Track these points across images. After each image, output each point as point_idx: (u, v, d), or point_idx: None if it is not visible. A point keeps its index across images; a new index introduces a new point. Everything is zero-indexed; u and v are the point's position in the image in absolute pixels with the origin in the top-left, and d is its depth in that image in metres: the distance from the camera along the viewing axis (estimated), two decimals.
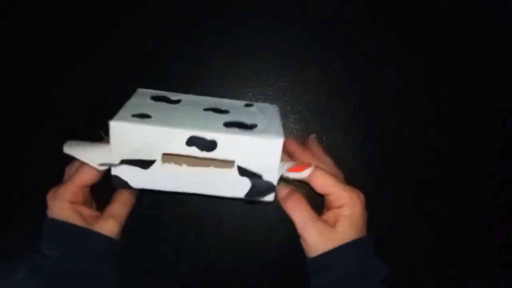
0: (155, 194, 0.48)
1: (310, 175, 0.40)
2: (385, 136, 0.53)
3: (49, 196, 0.40)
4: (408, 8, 0.51)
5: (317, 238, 0.39)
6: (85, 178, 0.40)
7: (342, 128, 0.52)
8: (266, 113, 0.43)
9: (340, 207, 0.40)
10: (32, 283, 0.38)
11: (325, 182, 0.41)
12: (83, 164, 0.40)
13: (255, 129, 0.38)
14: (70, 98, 0.52)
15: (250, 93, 0.51)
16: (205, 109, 0.41)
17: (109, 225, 0.40)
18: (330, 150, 0.52)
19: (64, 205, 0.39)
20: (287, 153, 0.44)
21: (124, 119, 0.36)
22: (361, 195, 0.42)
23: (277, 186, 0.39)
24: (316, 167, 0.41)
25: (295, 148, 0.44)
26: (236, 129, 0.37)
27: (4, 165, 0.53)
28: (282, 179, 0.41)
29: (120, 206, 0.42)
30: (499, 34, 0.52)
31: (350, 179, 0.53)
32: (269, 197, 0.40)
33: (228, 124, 0.38)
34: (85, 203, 0.41)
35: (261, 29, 0.51)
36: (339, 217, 0.40)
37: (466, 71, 0.53)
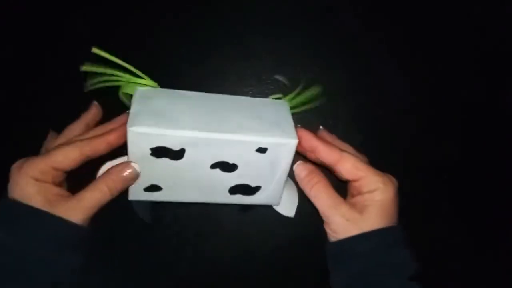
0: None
1: (338, 159, 0.37)
2: (386, 136, 0.53)
3: (14, 167, 0.36)
4: (409, 8, 0.51)
5: (342, 223, 0.36)
6: (61, 161, 0.35)
7: (342, 128, 0.52)
8: (278, 164, 0.40)
9: (371, 192, 0.37)
10: None
11: (355, 165, 0.37)
12: (65, 144, 0.36)
13: (257, 193, 0.41)
14: (70, 98, 0.52)
15: (250, 92, 0.51)
16: (212, 166, 0.39)
17: (74, 213, 0.35)
18: None
19: (28, 180, 0.34)
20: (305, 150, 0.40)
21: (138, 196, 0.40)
22: (394, 180, 0.38)
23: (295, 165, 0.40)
24: (343, 151, 0.38)
25: (315, 142, 0.39)
26: (239, 196, 0.41)
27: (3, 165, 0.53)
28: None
29: (97, 196, 0.36)
30: (500, 34, 0.52)
31: None
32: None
33: (233, 190, 0.40)
34: (54, 183, 0.36)
35: (261, 29, 0.51)
36: (369, 202, 0.36)
37: (467, 70, 0.52)
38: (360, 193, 0.38)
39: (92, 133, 0.39)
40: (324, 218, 0.37)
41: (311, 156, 0.41)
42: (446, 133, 0.53)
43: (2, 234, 0.34)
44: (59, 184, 0.37)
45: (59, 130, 0.51)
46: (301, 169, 0.39)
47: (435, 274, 0.54)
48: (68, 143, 0.37)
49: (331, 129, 0.53)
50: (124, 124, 0.37)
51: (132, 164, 0.37)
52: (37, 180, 0.35)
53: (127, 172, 0.37)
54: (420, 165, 0.53)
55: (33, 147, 0.52)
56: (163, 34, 0.52)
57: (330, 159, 0.38)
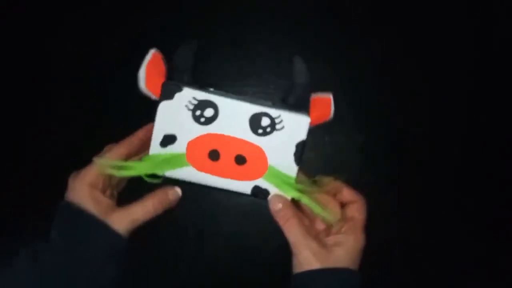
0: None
1: (356, 201, 0.41)
2: (387, 137, 0.53)
3: (71, 176, 0.40)
4: (411, 8, 0.51)
5: (309, 256, 0.38)
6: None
7: (343, 129, 0.52)
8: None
9: (347, 235, 0.39)
10: (31, 270, 0.37)
11: (363, 210, 0.41)
12: (107, 150, 0.41)
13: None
14: (71, 100, 0.52)
15: (250, 91, 0.51)
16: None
17: (120, 223, 0.38)
18: (332, 151, 0.52)
19: (83, 187, 0.39)
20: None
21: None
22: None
23: (271, 197, 0.41)
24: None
25: (340, 184, 0.42)
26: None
27: (3, 166, 0.53)
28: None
29: (142, 211, 0.39)
30: (504, 34, 0.52)
31: (352, 181, 0.52)
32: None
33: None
34: (104, 191, 0.40)
35: (262, 27, 0.51)
36: (339, 243, 0.39)
37: (470, 71, 0.52)
38: (337, 232, 0.40)
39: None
40: (294, 250, 0.39)
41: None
42: (450, 134, 0.53)
43: (55, 233, 0.38)
44: (109, 195, 0.41)
45: (60, 128, 0.52)
46: (276, 201, 0.40)
47: (438, 274, 0.54)
48: (107, 151, 0.42)
49: (332, 130, 0.53)
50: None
51: (176, 188, 0.41)
52: (90, 186, 0.39)
53: (171, 194, 0.41)
54: (423, 165, 0.53)
55: (33, 146, 0.52)
56: (163, 34, 0.52)
57: (351, 199, 0.41)
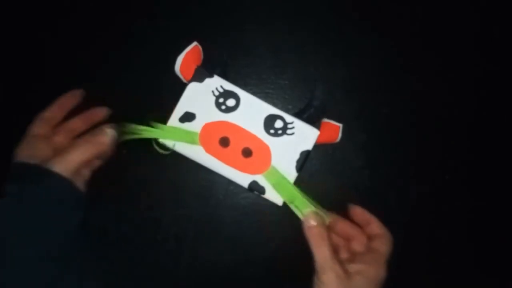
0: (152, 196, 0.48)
1: (382, 235, 0.43)
2: (389, 135, 0.52)
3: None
4: (412, 6, 0.51)
5: (333, 278, 0.39)
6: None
7: (344, 127, 0.52)
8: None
9: (369, 265, 0.41)
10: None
11: (390, 243, 0.43)
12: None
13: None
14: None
15: (251, 91, 0.51)
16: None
17: (59, 166, 0.39)
18: (333, 149, 0.52)
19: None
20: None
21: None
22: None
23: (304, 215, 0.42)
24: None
25: (370, 217, 0.44)
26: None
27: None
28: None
29: (75, 152, 0.41)
30: (506, 33, 0.52)
31: (353, 180, 0.52)
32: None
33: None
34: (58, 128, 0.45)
35: (261, 26, 0.51)
36: (361, 272, 0.40)
37: (472, 70, 0.52)
38: (360, 261, 0.42)
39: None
40: (319, 269, 0.40)
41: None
42: (451, 133, 0.53)
43: (11, 187, 0.39)
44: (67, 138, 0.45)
45: None
46: (312, 217, 0.41)
47: (439, 275, 0.53)
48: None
49: None
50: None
51: (107, 129, 0.42)
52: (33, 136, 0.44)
53: (102, 136, 0.42)
54: (424, 165, 0.53)
55: None
56: (164, 34, 0.52)
57: (379, 232, 0.43)
